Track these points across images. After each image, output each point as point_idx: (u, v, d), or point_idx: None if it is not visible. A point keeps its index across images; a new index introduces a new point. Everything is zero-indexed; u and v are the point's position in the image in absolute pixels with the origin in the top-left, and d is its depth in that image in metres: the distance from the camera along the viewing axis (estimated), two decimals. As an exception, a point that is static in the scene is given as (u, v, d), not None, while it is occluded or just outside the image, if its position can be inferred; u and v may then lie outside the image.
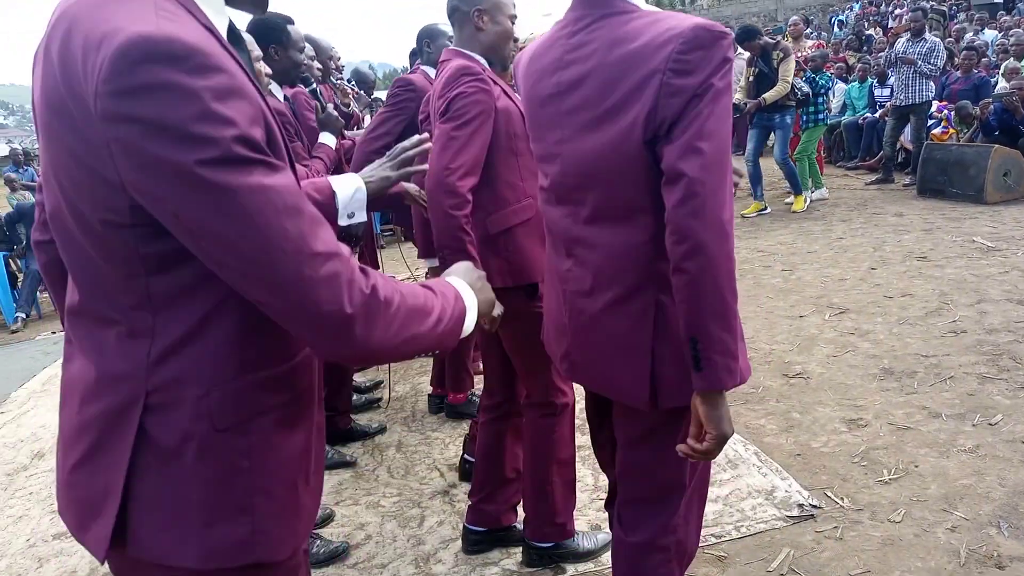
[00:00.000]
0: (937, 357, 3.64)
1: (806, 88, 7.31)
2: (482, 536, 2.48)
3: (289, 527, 1.02)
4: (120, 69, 0.76)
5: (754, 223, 7.10)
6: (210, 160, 0.79)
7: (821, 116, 7.54)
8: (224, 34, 0.94)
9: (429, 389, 3.79)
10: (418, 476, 3.09)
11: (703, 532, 1.81)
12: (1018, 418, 2.99)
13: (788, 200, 7.67)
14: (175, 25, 0.80)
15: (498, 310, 1.37)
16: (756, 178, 7.45)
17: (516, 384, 2.37)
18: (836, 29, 20.02)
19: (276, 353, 0.99)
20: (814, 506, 2.56)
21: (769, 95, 6.98)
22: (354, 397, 3.74)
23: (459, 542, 2.56)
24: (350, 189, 1.52)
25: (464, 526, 2.51)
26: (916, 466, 2.74)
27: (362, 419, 3.64)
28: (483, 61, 2.14)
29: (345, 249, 0.91)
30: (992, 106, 7.34)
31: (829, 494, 2.62)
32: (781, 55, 6.97)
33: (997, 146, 6.82)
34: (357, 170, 1.78)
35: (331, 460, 3.17)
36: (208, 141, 0.78)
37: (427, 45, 3.26)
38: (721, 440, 1.34)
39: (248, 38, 2.33)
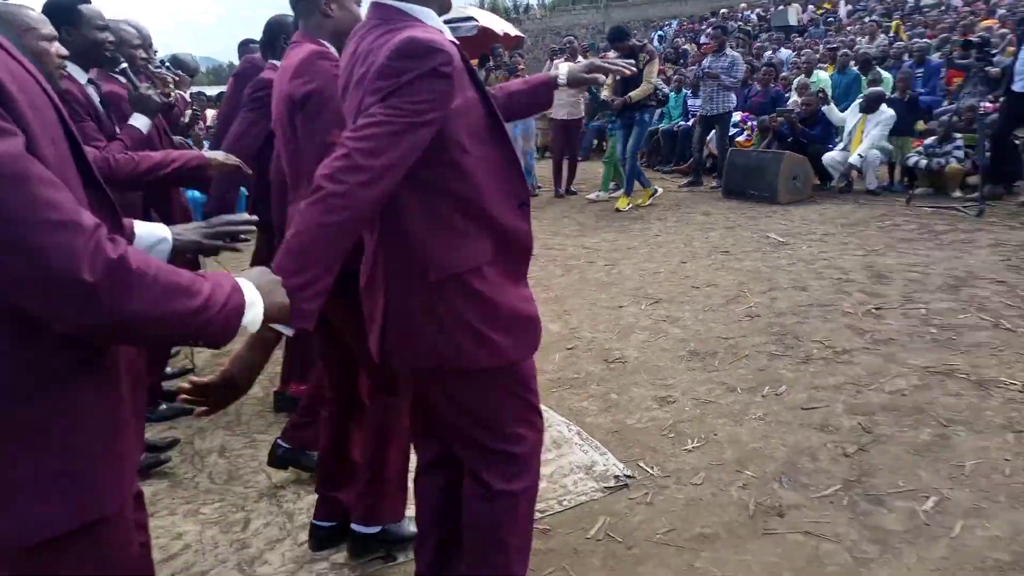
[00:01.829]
0: (735, 339, 4.02)
1: (666, 90, 7.88)
2: (331, 531, 2.44)
3: (108, 482, 1.01)
4: None
5: (581, 223, 7.46)
6: None
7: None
8: None
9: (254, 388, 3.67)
10: (242, 480, 2.99)
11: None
12: (799, 388, 3.38)
13: (616, 194, 8.19)
14: None
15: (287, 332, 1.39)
16: (637, 171, 7.97)
17: (359, 376, 2.37)
18: (656, 43, 21.45)
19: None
20: (628, 476, 2.76)
21: (635, 94, 7.44)
22: (163, 407, 3.56)
23: (287, 542, 2.51)
24: (152, 239, 1.48)
25: (312, 524, 2.46)
26: (715, 434, 3.03)
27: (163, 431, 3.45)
28: (332, 49, 2.11)
29: (88, 217, 0.89)
30: (779, 119, 8.17)
31: (641, 464, 2.84)
32: (647, 58, 7.46)
33: (788, 152, 7.62)
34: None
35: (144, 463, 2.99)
36: None
37: (283, 40, 2.96)
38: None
39: (41, 18, 2.17)
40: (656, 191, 8.13)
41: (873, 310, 4.29)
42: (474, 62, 3.43)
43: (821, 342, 3.87)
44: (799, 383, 3.43)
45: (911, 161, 7.27)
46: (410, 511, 2.53)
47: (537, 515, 2.50)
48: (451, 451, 1.86)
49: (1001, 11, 12.16)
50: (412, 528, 2.41)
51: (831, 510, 2.46)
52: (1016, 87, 6.22)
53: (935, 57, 9.66)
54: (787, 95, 9.47)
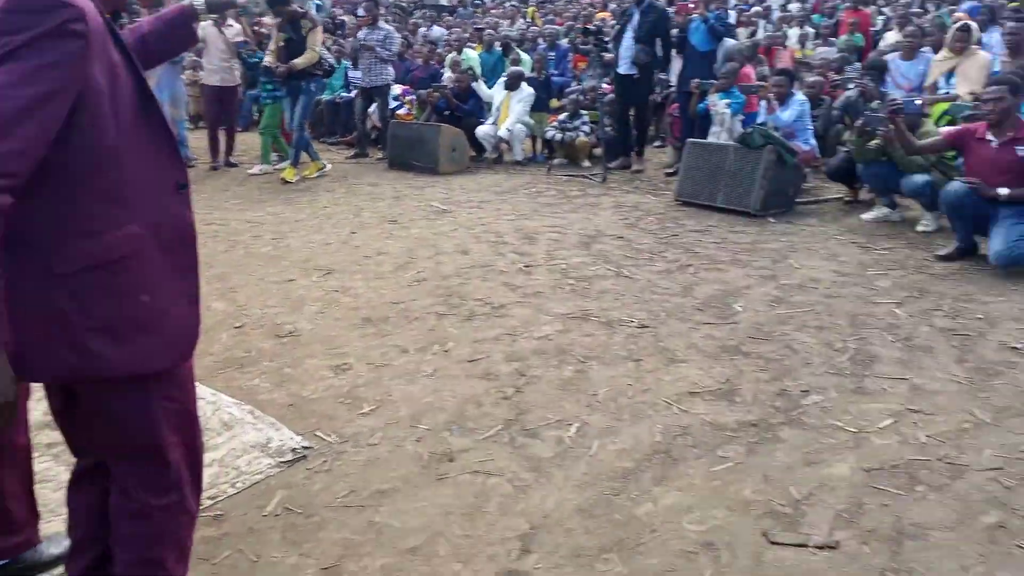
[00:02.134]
0: (406, 303, 4.18)
1: (332, 60, 7.64)
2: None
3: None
4: None
5: (243, 197, 7.08)
6: None
7: (279, 93, 7.80)
8: None
9: None
10: None
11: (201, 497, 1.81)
12: (465, 343, 3.64)
13: (282, 166, 7.89)
14: None
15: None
16: (306, 142, 7.65)
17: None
18: (315, 13, 20.98)
19: None
20: (306, 448, 2.73)
21: (299, 61, 7.12)
22: None
23: None
24: None
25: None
26: (391, 395, 3.14)
27: None
28: None
29: None
30: (436, 94, 8.55)
31: (319, 434, 2.83)
32: (310, 25, 7.14)
33: (445, 126, 8.04)
34: None
35: None
36: None
37: None
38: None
39: None
40: (325, 166, 8.02)
41: (524, 268, 4.76)
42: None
43: (482, 299, 4.20)
44: (464, 339, 3.69)
45: (548, 134, 8.14)
46: (57, 525, 2.23)
47: (208, 502, 2.39)
48: (103, 462, 1.68)
49: (612, 5, 14.06)
50: (54, 549, 2.12)
51: (495, 448, 2.71)
52: (621, 70, 7.26)
53: (564, 42, 10.88)
54: (442, 71, 9.94)
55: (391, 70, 8.66)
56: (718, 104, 6.57)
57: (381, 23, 8.67)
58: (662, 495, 2.41)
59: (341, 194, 7.11)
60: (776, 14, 11.76)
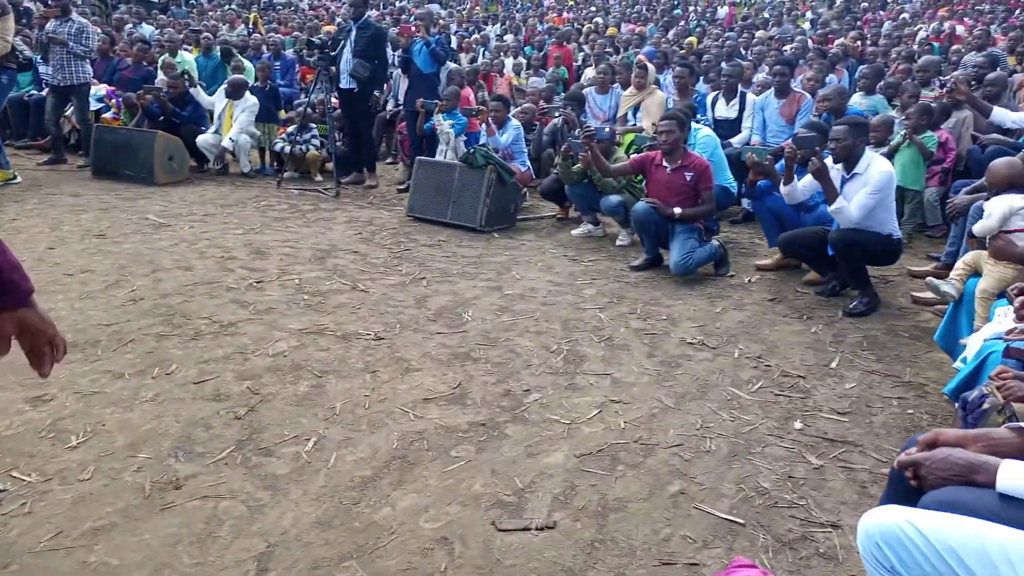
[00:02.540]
0: (119, 324, 3.84)
1: (28, 52, 6.58)
2: None
3: None
4: None
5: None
6: None
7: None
8: None
9: None
10: None
11: None
12: (190, 364, 3.44)
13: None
14: None
15: None
16: None
17: None
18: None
19: None
20: (1, 491, 2.42)
21: None
22: None
23: None
24: None
25: None
26: (104, 425, 2.88)
27: None
28: None
29: None
30: (147, 97, 7.88)
31: (15, 474, 2.52)
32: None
33: (160, 132, 7.44)
34: None
35: None
36: None
37: None
38: None
39: None
40: (14, 177, 6.99)
41: (255, 284, 4.60)
42: None
43: (208, 318, 4.00)
44: (189, 359, 3.49)
45: (277, 146, 7.92)
46: None
47: None
48: None
49: (339, 19, 14.04)
50: None
51: (227, 470, 2.62)
52: (342, 84, 7.30)
53: (289, 53, 10.64)
54: (155, 73, 9.18)
55: (88, 67, 7.76)
56: (443, 124, 6.90)
57: (74, 15, 7.77)
58: (400, 498, 2.51)
59: (34, 205, 6.28)
60: (493, 43, 12.59)
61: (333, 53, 7.10)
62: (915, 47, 10.08)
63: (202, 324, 3.91)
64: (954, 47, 10.50)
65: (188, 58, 9.48)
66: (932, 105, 5.51)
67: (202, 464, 2.66)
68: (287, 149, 7.81)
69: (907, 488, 1.63)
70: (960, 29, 14.12)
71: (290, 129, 7.94)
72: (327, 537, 2.29)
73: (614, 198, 5.53)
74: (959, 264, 3.71)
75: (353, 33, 7.12)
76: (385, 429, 2.96)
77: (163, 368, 3.38)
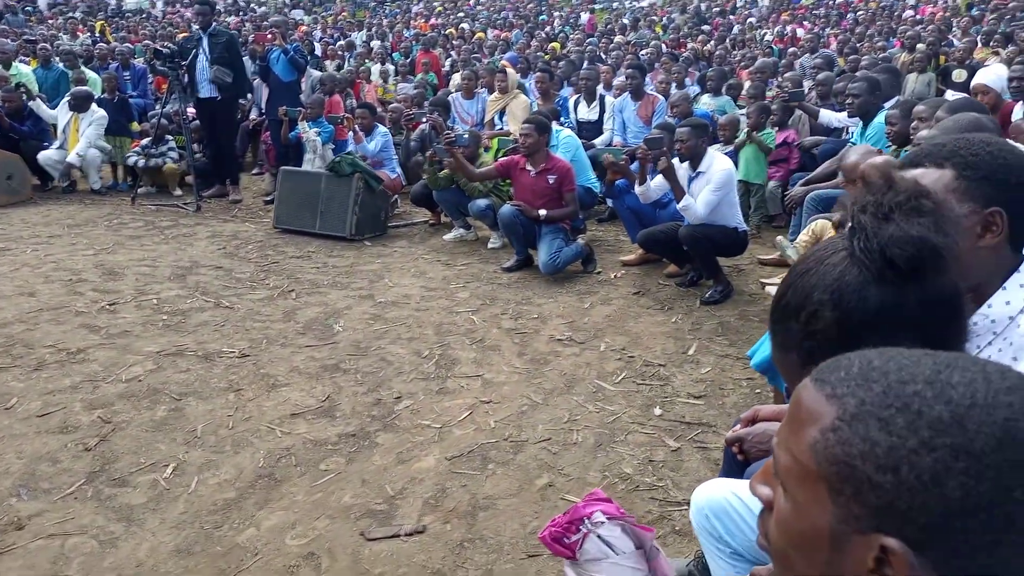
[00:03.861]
0: (-51, 360, 3.54)
1: None
2: None
3: None
4: None
5: None
6: None
7: None
8: None
9: None
10: None
11: None
12: (33, 397, 3.22)
13: None
14: None
15: None
16: None
17: None
18: None
19: None
20: None
21: None
22: None
23: None
24: None
25: None
26: (-68, 470, 2.65)
27: None
28: None
29: None
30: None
31: None
32: None
33: (-5, 149, 6.89)
34: None
35: None
36: None
37: None
38: None
39: None
40: None
41: (107, 306, 4.35)
42: None
43: (54, 346, 3.75)
44: (32, 391, 3.27)
45: (131, 160, 7.49)
46: None
47: None
48: None
49: (195, 27, 13.44)
50: None
51: (76, 505, 2.48)
52: (202, 94, 7.01)
53: (139, 62, 10.09)
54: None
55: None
56: (309, 132, 6.76)
57: None
58: (265, 518, 2.46)
59: None
60: (359, 49, 12.45)
61: (184, 62, 6.79)
62: (758, 51, 10.80)
63: (46, 353, 3.66)
64: (791, 49, 11.32)
65: (25, 70, 8.82)
66: (770, 105, 5.93)
67: (48, 501, 2.50)
68: (141, 163, 7.40)
69: (737, 462, 1.76)
70: (801, 32, 15.23)
71: (144, 142, 7.54)
72: (187, 565, 2.22)
73: (482, 202, 5.61)
74: (804, 234, 3.96)
75: (205, 41, 6.86)
76: (250, 448, 2.89)
77: (2, 402, 3.15)
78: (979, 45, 9.65)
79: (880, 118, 4.69)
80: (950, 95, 5.82)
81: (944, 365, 0.66)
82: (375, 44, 13.74)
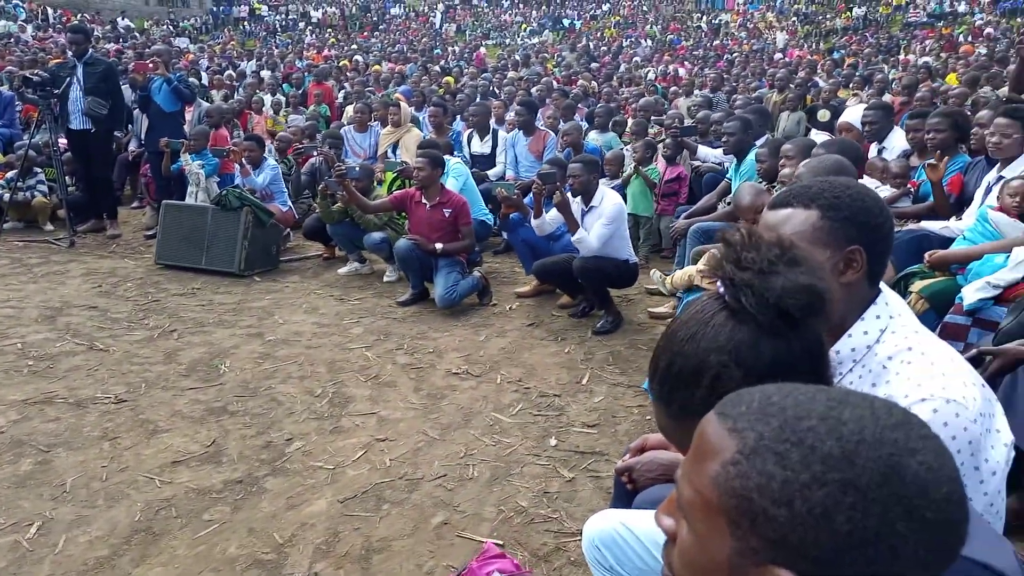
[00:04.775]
0: None
1: None
2: None
3: None
4: None
5: None
6: None
7: None
8: None
9: None
10: None
11: None
12: None
13: None
14: None
15: None
16: None
17: None
18: None
19: None
20: None
21: None
22: None
23: None
24: None
25: None
26: None
27: None
28: None
29: None
30: None
31: None
32: None
33: None
34: None
35: None
36: None
37: None
38: None
39: None
40: None
41: (-37, 353, 4.02)
42: None
43: (-100, 398, 3.42)
44: None
45: None
46: None
47: None
48: None
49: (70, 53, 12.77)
50: None
51: (-78, 576, 2.25)
52: (73, 125, 6.63)
53: (5, 89, 9.47)
54: None
55: None
56: (191, 165, 6.52)
57: None
58: (143, 575, 2.31)
59: None
60: (249, 79, 12.17)
61: (57, 91, 6.43)
62: (643, 88, 11.29)
63: None
64: (672, 88, 11.90)
65: None
66: (655, 141, 6.19)
67: None
68: (7, 196, 6.92)
69: (627, 491, 1.80)
70: (682, 71, 16.05)
71: (10, 174, 7.05)
72: (53, 633, 2.05)
73: (377, 235, 5.56)
74: (682, 273, 4.14)
75: (80, 70, 6.52)
76: (126, 501, 2.72)
77: None
78: (840, 87, 10.45)
79: (752, 155, 5.00)
80: (814, 134, 6.27)
81: (837, 401, 0.69)
82: (265, 74, 13.47)
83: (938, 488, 0.63)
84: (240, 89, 11.54)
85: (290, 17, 34.22)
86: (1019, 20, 20.77)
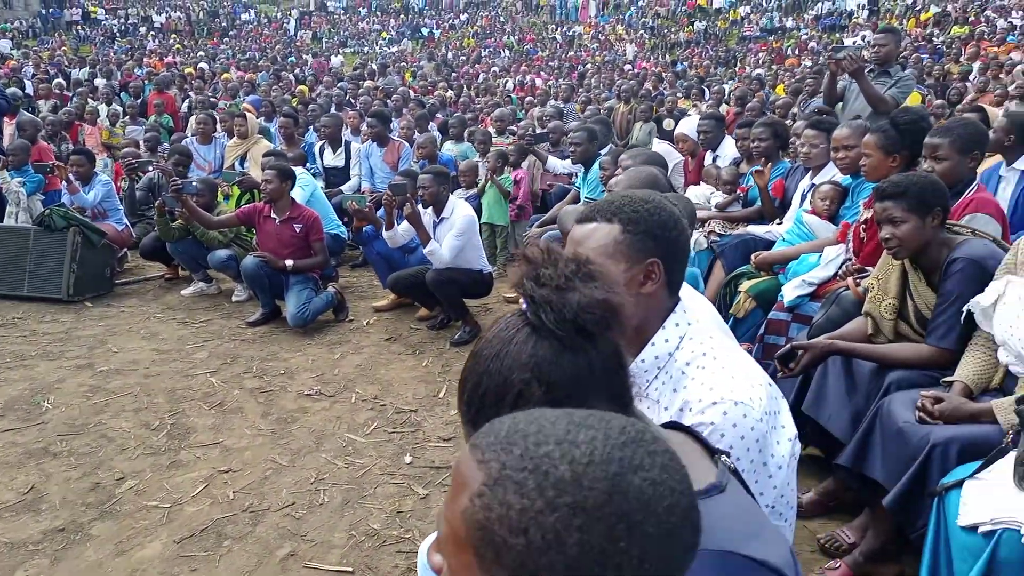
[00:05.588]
0: None
1: None
2: None
3: None
4: None
5: None
6: None
7: None
8: None
9: None
10: None
11: None
12: None
13: None
14: None
15: None
16: None
17: None
18: None
19: None
20: None
21: None
22: None
23: None
24: None
25: None
26: None
27: None
28: None
29: None
30: None
31: None
32: None
33: None
34: None
35: None
36: None
37: None
38: None
39: None
40: None
41: None
42: None
43: None
44: None
45: None
46: None
47: None
48: None
49: None
50: None
51: None
52: None
53: None
54: None
55: None
56: (10, 183, 5.96)
57: None
58: (-62, 648, 2.06)
59: None
60: (81, 88, 11.31)
61: None
62: (500, 98, 11.45)
63: None
64: (528, 98, 12.16)
65: None
66: (506, 151, 6.28)
67: None
68: None
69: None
70: (539, 81, 16.42)
71: None
72: None
73: (222, 252, 5.29)
74: None
75: None
76: (-79, 564, 2.42)
77: None
78: (682, 98, 11.04)
79: (597, 164, 5.17)
80: (656, 143, 6.58)
81: (576, 424, 0.68)
82: (100, 83, 12.55)
83: (660, 501, 0.65)
84: (73, 99, 10.70)
85: (130, 22, 32.10)
86: (838, 36, 22.79)
